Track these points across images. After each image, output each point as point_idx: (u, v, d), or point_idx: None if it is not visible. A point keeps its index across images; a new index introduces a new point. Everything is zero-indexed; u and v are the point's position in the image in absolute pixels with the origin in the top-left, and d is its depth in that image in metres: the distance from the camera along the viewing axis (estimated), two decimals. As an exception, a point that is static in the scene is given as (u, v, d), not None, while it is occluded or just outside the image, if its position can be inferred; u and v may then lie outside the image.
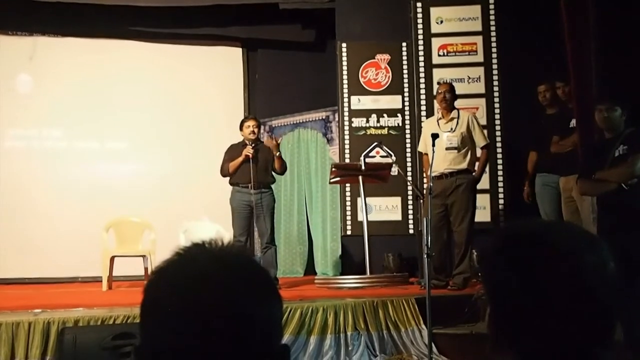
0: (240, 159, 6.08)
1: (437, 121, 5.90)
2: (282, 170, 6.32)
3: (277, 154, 6.19)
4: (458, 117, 5.78)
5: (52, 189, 8.02)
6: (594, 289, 0.97)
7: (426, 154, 5.83)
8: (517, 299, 0.99)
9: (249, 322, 0.86)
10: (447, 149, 5.64)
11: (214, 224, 7.08)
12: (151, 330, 0.88)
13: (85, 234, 7.40)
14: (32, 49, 8.30)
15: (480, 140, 5.80)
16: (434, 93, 6.51)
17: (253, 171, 6.02)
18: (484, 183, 6.87)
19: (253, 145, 6.12)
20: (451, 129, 5.73)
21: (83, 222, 7.64)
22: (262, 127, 8.41)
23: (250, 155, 6.03)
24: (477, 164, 5.83)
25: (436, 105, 6.30)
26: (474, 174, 5.79)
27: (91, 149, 8.29)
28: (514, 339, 1.01)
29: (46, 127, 8.26)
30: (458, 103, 5.99)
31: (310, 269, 8.07)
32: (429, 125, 5.99)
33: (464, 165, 5.71)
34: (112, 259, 6.52)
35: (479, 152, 5.92)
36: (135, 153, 8.38)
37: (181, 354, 0.84)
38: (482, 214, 6.76)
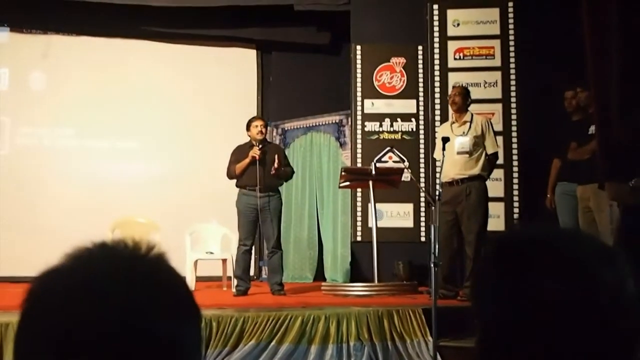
0: (247, 160, 5.93)
1: (451, 125, 5.75)
2: (288, 178, 6.29)
3: (281, 169, 6.09)
4: (471, 121, 5.60)
5: (61, 188, 7.97)
6: (610, 312, 0.78)
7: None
8: (508, 315, 0.81)
9: (144, 342, 0.70)
10: (458, 153, 5.46)
11: (221, 227, 6.95)
12: (27, 350, 0.71)
13: (93, 233, 7.28)
14: (46, 47, 8.27)
15: (489, 147, 5.61)
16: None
17: (260, 173, 5.87)
18: (499, 191, 6.68)
19: (260, 146, 5.98)
20: (463, 132, 5.55)
21: (91, 222, 7.55)
22: (274, 130, 8.33)
23: (257, 157, 5.89)
24: None
25: (450, 109, 6.13)
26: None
27: (102, 148, 8.22)
28: None
29: (58, 125, 8.22)
30: (474, 108, 5.82)
31: (320, 275, 7.92)
32: (442, 130, 5.86)
33: (475, 170, 5.51)
34: (116, 260, 6.41)
35: None
36: (146, 153, 8.30)
37: None
38: (496, 223, 6.56)
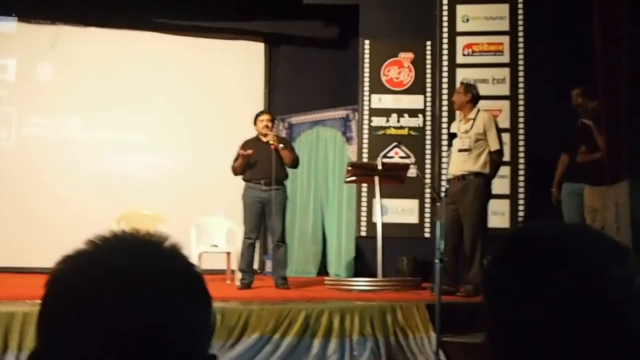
0: (241, 160, 5.95)
1: (459, 122, 5.74)
2: (293, 163, 6.11)
3: (280, 146, 5.98)
4: (475, 119, 5.58)
5: (68, 179, 7.98)
6: (619, 308, 0.78)
7: None
8: (522, 313, 0.80)
9: (166, 327, 0.73)
10: (459, 150, 5.47)
11: (227, 220, 6.96)
12: (49, 333, 0.74)
13: (99, 225, 7.27)
14: (54, 37, 8.27)
15: (491, 143, 5.56)
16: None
17: (265, 167, 5.87)
18: (504, 188, 6.66)
19: (270, 135, 5.97)
20: (466, 130, 5.54)
21: (97, 213, 7.56)
22: (281, 123, 8.32)
23: (274, 144, 5.88)
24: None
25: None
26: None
27: (108, 140, 8.24)
28: None
29: (65, 116, 8.23)
30: (481, 104, 5.78)
31: (323, 270, 7.92)
32: (453, 128, 5.88)
33: (475, 167, 5.49)
34: (121, 251, 6.43)
35: None
36: (152, 146, 8.31)
37: None
38: (501, 220, 6.55)
